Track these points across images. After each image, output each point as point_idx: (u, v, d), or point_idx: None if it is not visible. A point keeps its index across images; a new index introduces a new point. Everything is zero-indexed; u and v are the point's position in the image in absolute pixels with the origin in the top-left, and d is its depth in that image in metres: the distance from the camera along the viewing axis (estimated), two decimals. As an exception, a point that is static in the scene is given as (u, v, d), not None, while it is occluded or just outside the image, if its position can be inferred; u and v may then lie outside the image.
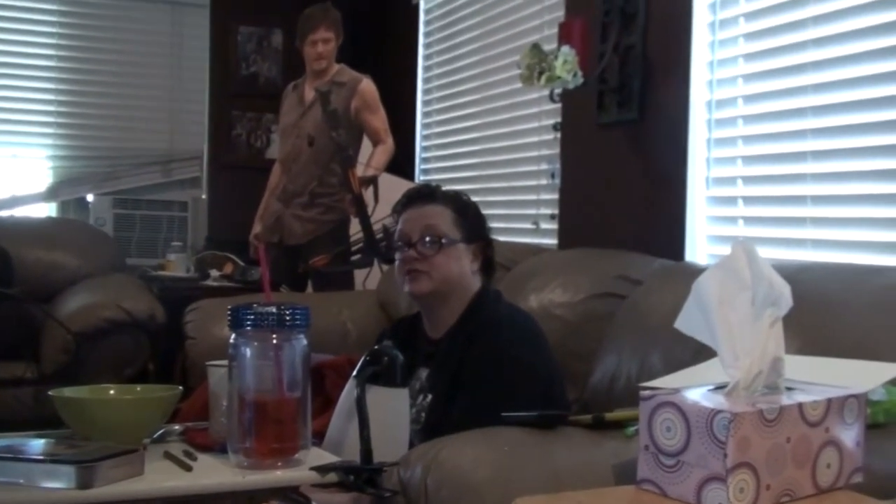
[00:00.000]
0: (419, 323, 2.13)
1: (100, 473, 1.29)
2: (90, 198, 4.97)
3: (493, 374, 1.86)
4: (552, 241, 3.30)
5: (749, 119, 2.50)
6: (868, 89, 2.14)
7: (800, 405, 1.10)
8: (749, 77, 2.50)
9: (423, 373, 2.02)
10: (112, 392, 1.62)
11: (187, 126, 5.22)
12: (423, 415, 1.94)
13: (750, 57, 2.49)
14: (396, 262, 2.07)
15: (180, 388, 1.59)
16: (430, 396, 1.95)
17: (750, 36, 2.49)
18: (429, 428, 1.86)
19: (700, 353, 1.23)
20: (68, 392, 1.56)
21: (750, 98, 2.50)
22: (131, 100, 5.12)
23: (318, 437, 1.60)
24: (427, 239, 1.99)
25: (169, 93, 5.20)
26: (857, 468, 1.17)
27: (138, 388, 1.68)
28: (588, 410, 1.89)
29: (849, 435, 1.15)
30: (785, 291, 1.18)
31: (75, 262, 3.90)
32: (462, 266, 2.02)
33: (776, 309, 1.17)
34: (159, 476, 1.38)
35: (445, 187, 2.17)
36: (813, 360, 1.43)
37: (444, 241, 2.00)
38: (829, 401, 1.13)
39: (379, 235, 3.37)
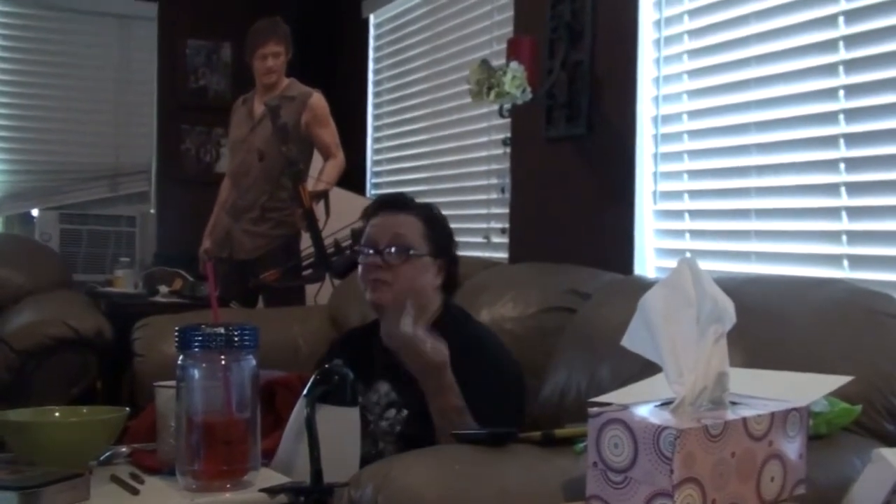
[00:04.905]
0: (375, 333, 2.11)
1: (44, 499, 1.27)
2: (35, 212, 4.89)
3: (495, 386, 1.88)
4: (503, 255, 3.32)
5: (694, 134, 2.54)
6: (809, 105, 2.18)
7: (744, 420, 1.11)
8: (694, 93, 2.54)
9: (384, 386, 1.99)
10: (56, 414, 1.59)
11: (135, 140, 5.16)
12: (399, 428, 1.92)
13: (694, 73, 2.54)
14: (360, 267, 2.04)
15: (127, 409, 1.56)
16: (405, 411, 1.93)
17: (694, 53, 2.54)
18: (407, 441, 1.85)
19: (648, 366, 1.25)
20: (11, 415, 1.53)
21: (695, 114, 2.54)
22: (78, 113, 5.05)
23: (269, 456, 1.59)
24: (394, 248, 1.98)
25: (116, 106, 5.14)
26: (801, 480, 1.19)
27: (84, 410, 1.65)
28: (538, 425, 1.90)
29: (792, 448, 1.18)
30: (729, 308, 1.20)
31: (19, 278, 3.83)
32: (425, 280, 2.01)
33: (720, 325, 1.19)
34: (105, 500, 1.35)
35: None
36: (757, 373, 1.46)
37: (411, 252, 1.99)
38: (773, 415, 1.15)
39: (330, 250, 3.36)
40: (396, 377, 1.97)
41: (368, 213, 2.10)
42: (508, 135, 3.27)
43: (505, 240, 3.33)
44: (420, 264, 2.00)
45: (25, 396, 3.05)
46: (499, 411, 1.82)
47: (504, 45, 2.84)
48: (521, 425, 1.74)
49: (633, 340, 1.21)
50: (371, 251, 2.00)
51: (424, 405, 1.84)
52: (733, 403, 1.19)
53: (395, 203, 2.09)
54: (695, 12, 2.53)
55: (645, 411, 1.14)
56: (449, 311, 2.05)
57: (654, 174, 2.64)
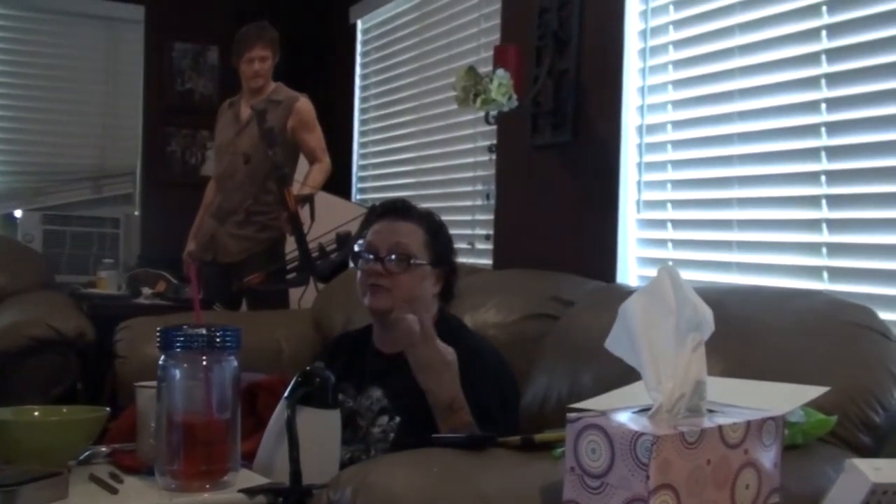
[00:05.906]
0: (367, 337, 2.11)
1: (22, 497, 1.27)
2: (18, 213, 4.87)
3: (494, 394, 1.88)
4: (487, 262, 3.33)
5: (678, 144, 2.56)
6: (792, 118, 2.20)
7: (720, 428, 1.12)
8: (678, 103, 2.56)
9: (376, 392, 1.98)
10: (36, 413, 1.59)
11: (120, 142, 5.15)
12: (392, 436, 1.91)
13: (679, 84, 2.56)
14: (359, 272, 2.04)
15: (107, 409, 1.57)
16: (397, 418, 1.92)
17: (679, 63, 2.56)
18: (401, 450, 1.84)
19: (629, 373, 1.26)
20: (-10, 414, 1.53)
21: (679, 124, 2.55)
22: (63, 115, 5.04)
23: (250, 458, 1.59)
24: (395, 256, 1.99)
25: (102, 108, 5.12)
26: (775, 489, 1.20)
27: (64, 410, 1.65)
28: (520, 430, 1.90)
29: (767, 456, 1.19)
30: (708, 316, 1.21)
31: (1, 279, 3.82)
32: (424, 288, 2.02)
33: (699, 333, 1.20)
34: (83, 499, 1.35)
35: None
36: (734, 382, 1.47)
37: (412, 261, 1.99)
38: (749, 423, 1.16)
39: (315, 254, 3.37)
40: (389, 384, 1.96)
41: (370, 219, 2.10)
42: (494, 142, 3.29)
43: (489, 246, 3.34)
44: (420, 273, 2.01)
45: (5, 397, 3.03)
46: (498, 418, 1.83)
47: (491, 53, 2.85)
48: (517, 430, 1.75)
49: (616, 344, 1.22)
50: (371, 257, 2.01)
51: (418, 414, 1.83)
52: (710, 411, 1.19)
53: (397, 210, 2.09)
54: (680, 23, 2.55)
55: (623, 417, 1.15)
56: (444, 320, 2.05)
57: (638, 183, 2.66)
